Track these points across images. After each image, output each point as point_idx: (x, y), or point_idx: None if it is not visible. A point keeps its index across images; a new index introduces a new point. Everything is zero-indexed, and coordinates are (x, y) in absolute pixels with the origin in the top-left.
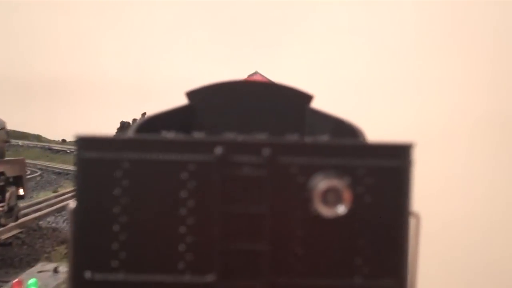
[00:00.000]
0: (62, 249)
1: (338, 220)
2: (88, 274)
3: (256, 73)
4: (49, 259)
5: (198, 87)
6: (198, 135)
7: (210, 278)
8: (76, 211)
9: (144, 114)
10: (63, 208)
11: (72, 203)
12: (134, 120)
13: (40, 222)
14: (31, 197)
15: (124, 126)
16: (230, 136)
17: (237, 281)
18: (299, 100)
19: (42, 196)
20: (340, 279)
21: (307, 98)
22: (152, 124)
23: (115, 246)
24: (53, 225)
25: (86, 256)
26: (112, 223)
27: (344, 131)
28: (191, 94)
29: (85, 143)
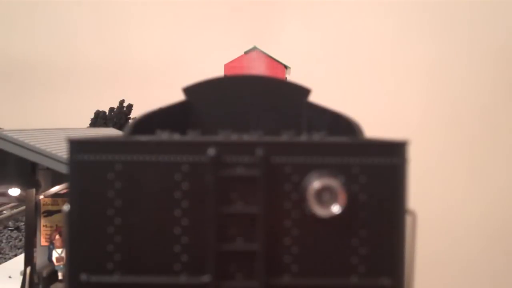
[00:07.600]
0: None
1: (333, 219)
2: (84, 277)
3: (254, 48)
4: None
5: (195, 83)
6: (192, 134)
7: (205, 279)
8: (70, 213)
9: (122, 101)
10: None
11: (66, 206)
12: (111, 108)
13: None
14: None
15: (99, 116)
16: (223, 136)
17: (232, 281)
18: (296, 94)
19: None
20: (336, 278)
21: (305, 92)
22: (148, 122)
23: (110, 248)
24: None
25: (81, 258)
26: (106, 225)
27: (341, 125)
28: (187, 90)
29: (77, 146)
